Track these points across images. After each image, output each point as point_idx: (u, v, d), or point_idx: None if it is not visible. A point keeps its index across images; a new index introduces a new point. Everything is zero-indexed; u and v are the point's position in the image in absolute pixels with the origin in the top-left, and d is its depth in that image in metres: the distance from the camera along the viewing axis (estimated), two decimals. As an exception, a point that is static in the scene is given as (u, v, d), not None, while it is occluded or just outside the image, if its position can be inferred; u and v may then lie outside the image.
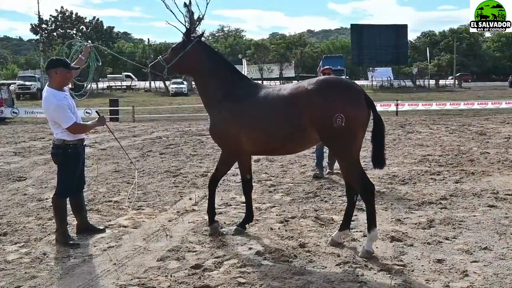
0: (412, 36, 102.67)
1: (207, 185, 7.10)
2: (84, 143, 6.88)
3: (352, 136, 5.87)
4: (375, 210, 6.19)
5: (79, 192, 7.00)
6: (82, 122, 6.65)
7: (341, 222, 6.64)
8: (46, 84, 6.63)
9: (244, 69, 72.93)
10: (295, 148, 6.67)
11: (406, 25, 72.18)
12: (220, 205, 8.42)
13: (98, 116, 6.88)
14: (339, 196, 8.86)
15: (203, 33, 7.34)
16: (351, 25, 73.98)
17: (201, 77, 6.86)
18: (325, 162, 11.10)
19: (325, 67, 11.61)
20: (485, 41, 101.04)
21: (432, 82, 70.55)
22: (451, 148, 14.26)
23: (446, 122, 22.56)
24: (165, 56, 7.02)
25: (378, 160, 6.32)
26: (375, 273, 5.45)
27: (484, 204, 8.08)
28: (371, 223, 6.02)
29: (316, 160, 10.98)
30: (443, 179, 10.07)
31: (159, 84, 67.81)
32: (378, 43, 67.94)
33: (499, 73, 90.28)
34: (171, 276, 5.42)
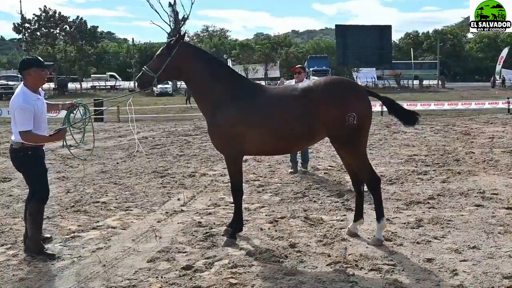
0: (395, 36, 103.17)
1: (232, 198, 6.79)
2: (43, 147, 6.39)
3: (362, 132, 6.24)
4: (382, 201, 6.54)
5: None
6: (39, 134, 6.00)
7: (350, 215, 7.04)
8: (22, 82, 6.13)
9: (229, 69, 72.77)
10: (301, 147, 7.14)
11: (390, 26, 72.64)
12: (209, 206, 8.40)
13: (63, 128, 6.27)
14: (328, 196, 8.88)
15: (184, 33, 7.16)
16: (336, 25, 74.17)
17: (196, 80, 6.61)
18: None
19: (297, 66, 11.79)
20: (468, 42, 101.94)
21: (416, 82, 70.98)
22: (436, 148, 14.35)
23: (430, 122, 22.70)
24: (150, 64, 6.69)
25: (412, 118, 6.57)
26: (366, 273, 5.47)
27: (471, 204, 8.15)
28: (380, 213, 6.42)
29: (290, 156, 11.25)
30: (430, 179, 10.14)
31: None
32: (363, 43, 68.24)
33: (481, 73, 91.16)
34: (161, 277, 5.40)
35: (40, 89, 6.29)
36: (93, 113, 7.62)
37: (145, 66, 6.78)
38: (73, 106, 6.56)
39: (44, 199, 6.20)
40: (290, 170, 11.28)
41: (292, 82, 10.97)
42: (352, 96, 6.25)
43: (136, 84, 6.95)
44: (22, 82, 6.16)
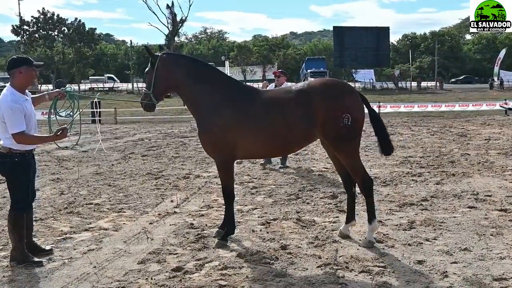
0: (392, 38, 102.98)
1: (224, 202, 6.79)
2: (34, 152, 6.13)
3: (356, 134, 6.30)
4: (374, 203, 6.60)
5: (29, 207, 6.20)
6: (33, 134, 5.88)
7: (342, 216, 7.13)
8: (8, 83, 5.90)
9: (227, 71, 72.94)
10: (296, 149, 7.10)
11: (388, 27, 72.80)
12: (201, 207, 8.40)
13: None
14: (321, 198, 8.88)
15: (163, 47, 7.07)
16: (334, 27, 74.33)
17: (183, 87, 6.57)
18: None
19: (278, 70, 12.48)
20: (466, 44, 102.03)
21: (414, 84, 71.04)
22: (432, 150, 14.37)
23: (427, 124, 22.73)
24: (146, 84, 6.76)
25: (387, 148, 6.82)
26: (356, 275, 5.46)
27: (464, 205, 8.14)
28: (371, 215, 6.45)
29: None
30: (424, 181, 10.14)
31: (141, 86, 67.50)
32: (360, 45, 68.32)
33: (479, 75, 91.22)
34: (151, 279, 5.38)
35: (27, 90, 6.07)
36: (82, 105, 7.40)
37: (144, 88, 6.85)
38: (59, 95, 6.41)
39: (23, 210, 5.94)
40: (261, 162, 12.10)
41: (272, 86, 11.25)
42: (346, 97, 6.28)
43: (142, 107, 6.83)
44: (9, 83, 5.93)
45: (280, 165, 12.00)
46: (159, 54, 6.65)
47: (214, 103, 6.39)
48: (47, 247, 6.37)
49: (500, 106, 14.58)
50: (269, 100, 6.42)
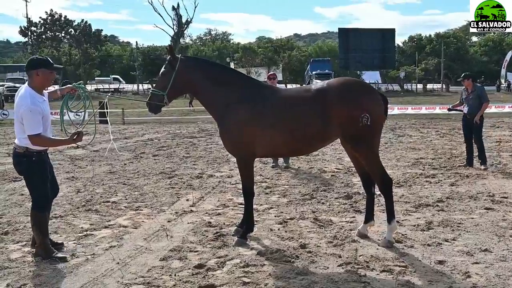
0: (398, 40, 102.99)
1: (244, 199, 6.80)
2: (48, 151, 6.18)
3: (375, 133, 6.30)
4: (393, 203, 6.56)
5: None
6: (49, 137, 5.91)
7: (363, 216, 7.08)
8: (26, 82, 5.92)
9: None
10: (315, 148, 7.03)
11: (394, 29, 72.60)
12: (217, 206, 8.43)
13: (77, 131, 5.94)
14: (336, 198, 8.89)
15: (171, 46, 7.04)
16: (339, 29, 74.30)
17: (202, 89, 6.64)
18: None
19: (270, 73, 12.80)
20: (472, 46, 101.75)
21: (420, 86, 70.92)
22: (443, 152, 14.37)
23: (436, 126, 22.71)
24: (157, 85, 6.73)
25: None
26: (377, 274, 5.48)
27: (481, 207, 8.15)
28: (390, 215, 6.45)
29: None
30: (438, 182, 10.15)
31: (146, 86, 67.60)
32: (366, 47, 68.23)
33: (486, 77, 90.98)
34: (175, 275, 5.43)
35: (44, 90, 6.08)
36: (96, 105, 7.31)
37: (151, 88, 6.84)
38: (71, 91, 6.33)
39: (42, 207, 5.97)
40: (272, 164, 12.14)
41: None
42: (366, 97, 6.27)
43: (148, 108, 6.79)
44: (27, 82, 5.93)
45: (284, 165, 12.12)
46: (178, 56, 6.68)
47: (233, 103, 6.44)
48: (59, 241, 6.43)
49: (448, 110, 14.61)
50: (287, 99, 6.45)
